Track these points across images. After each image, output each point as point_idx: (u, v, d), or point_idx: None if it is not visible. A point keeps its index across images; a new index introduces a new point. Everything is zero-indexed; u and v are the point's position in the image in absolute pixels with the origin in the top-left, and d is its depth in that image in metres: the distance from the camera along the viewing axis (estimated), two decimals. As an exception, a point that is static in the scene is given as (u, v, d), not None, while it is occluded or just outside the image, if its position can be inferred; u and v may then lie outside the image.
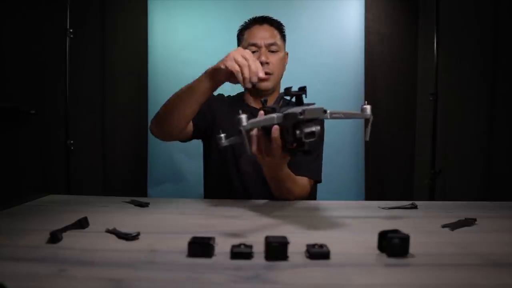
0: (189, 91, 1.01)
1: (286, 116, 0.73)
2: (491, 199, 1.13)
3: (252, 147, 0.83)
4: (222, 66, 0.93)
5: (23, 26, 2.05)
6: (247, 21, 1.28)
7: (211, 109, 1.22)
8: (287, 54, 1.30)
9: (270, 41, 1.21)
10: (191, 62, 2.07)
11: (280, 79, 1.26)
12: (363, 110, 0.80)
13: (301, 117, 0.69)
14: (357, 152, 2.12)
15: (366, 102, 0.80)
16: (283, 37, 1.27)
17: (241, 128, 0.73)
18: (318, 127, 0.71)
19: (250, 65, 0.90)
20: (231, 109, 1.27)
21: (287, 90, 0.79)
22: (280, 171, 0.98)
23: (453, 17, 2.00)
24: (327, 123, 1.32)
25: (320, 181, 1.23)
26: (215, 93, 1.21)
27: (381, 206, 0.97)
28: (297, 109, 0.70)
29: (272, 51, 1.21)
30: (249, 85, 0.92)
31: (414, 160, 2.26)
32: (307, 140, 0.71)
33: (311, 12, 2.07)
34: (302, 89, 0.79)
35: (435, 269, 0.55)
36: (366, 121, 0.82)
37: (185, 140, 1.21)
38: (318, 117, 0.72)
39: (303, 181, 1.13)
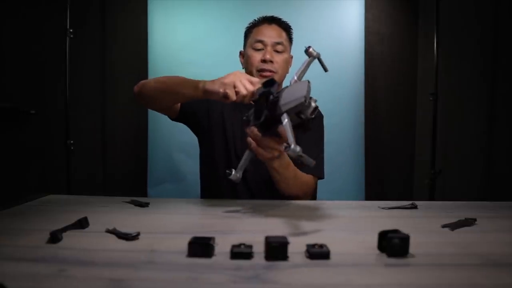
0: (181, 87, 1.03)
1: (289, 111, 0.75)
2: (491, 199, 1.13)
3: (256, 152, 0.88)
4: (221, 91, 0.91)
5: (23, 26, 2.05)
6: (256, 19, 1.29)
7: (206, 103, 1.23)
8: (292, 57, 1.30)
9: (277, 40, 1.22)
10: (191, 62, 2.07)
11: (283, 79, 1.27)
12: (309, 54, 0.88)
13: (306, 102, 0.73)
14: (357, 152, 2.12)
15: (306, 46, 0.88)
16: (290, 39, 1.28)
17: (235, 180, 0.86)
18: (315, 101, 0.75)
19: (245, 88, 0.91)
20: (235, 105, 1.26)
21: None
22: (285, 168, 1.00)
23: (453, 17, 2.00)
24: (328, 122, 1.33)
25: (322, 178, 1.23)
26: None
27: (381, 206, 0.97)
28: (299, 98, 0.73)
29: (278, 51, 1.22)
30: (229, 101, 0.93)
31: (414, 160, 2.26)
32: (313, 116, 0.75)
33: (311, 12, 2.07)
34: (270, 84, 0.83)
35: (435, 269, 0.55)
36: (318, 59, 0.89)
37: (172, 116, 1.22)
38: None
39: (307, 178, 1.15)
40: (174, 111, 1.19)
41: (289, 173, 1.03)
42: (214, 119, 1.24)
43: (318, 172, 1.21)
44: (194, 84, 0.98)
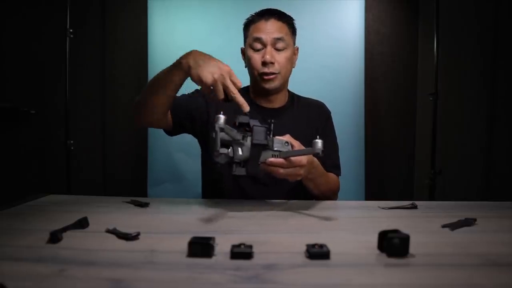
0: (164, 79, 1.05)
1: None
2: (491, 199, 1.13)
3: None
4: (196, 78, 0.92)
5: (23, 26, 2.04)
6: (253, 14, 1.20)
7: (202, 106, 1.18)
8: (297, 48, 1.24)
9: (276, 35, 1.14)
10: (191, 62, 2.06)
11: (288, 76, 1.22)
12: (313, 144, 0.82)
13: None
14: (357, 152, 2.12)
15: (318, 136, 0.84)
16: (292, 31, 1.21)
17: (216, 125, 0.76)
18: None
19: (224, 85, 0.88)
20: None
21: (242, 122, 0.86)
22: (319, 176, 1.06)
23: (453, 17, 2.00)
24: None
25: (340, 175, 1.29)
26: None
27: (381, 206, 0.97)
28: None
29: (279, 49, 1.15)
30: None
31: (414, 160, 2.26)
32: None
33: (311, 12, 2.07)
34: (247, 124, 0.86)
35: (435, 269, 0.55)
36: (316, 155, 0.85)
37: (168, 131, 1.17)
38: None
39: (335, 179, 1.22)
40: (168, 121, 1.13)
41: (321, 180, 1.09)
42: (213, 117, 1.21)
43: (338, 171, 1.28)
44: (173, 69, 1.02)
